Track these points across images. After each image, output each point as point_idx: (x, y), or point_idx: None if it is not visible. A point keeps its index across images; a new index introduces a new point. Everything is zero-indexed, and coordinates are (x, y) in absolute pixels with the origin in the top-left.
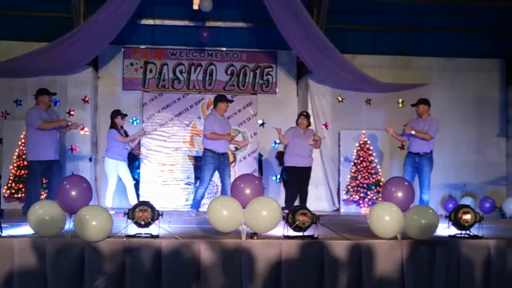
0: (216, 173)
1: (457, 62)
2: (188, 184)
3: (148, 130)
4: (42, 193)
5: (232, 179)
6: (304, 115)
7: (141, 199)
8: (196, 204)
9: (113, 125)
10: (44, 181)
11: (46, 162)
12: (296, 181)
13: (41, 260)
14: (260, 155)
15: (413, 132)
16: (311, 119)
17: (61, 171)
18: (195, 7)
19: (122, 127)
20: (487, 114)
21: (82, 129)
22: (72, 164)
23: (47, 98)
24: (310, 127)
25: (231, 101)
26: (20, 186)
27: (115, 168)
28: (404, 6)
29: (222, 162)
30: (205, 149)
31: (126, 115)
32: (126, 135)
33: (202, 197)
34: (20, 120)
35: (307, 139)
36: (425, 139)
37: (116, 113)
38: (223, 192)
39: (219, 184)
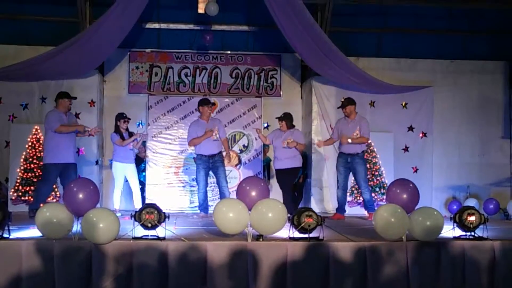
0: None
1: (460, 64)
2: (193, 186)
3: (144, 132)
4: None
5: (237, 181)
6: (278, 118)
7: (147, 201)
8: (200, 207)
9: (116, 129)
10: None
11: (62, 165)
12: (280, 183)
13: (48, 262)
14: (268, 159)
15: (349, 141)
16: (316, 122)
17: (76, 174)
18: (200, 11)
19: (127, 130)
20: (491, 116)
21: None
22: (78, 167)
23: (67, 102)
24: (293, 128)
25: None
26: (27, 189)
27: (121, 171)
28: (407, 9)
29: (212, 164)
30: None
31: (129, 118)
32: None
33: (204, 199)
34: (27, 124)
35: (282, 142)
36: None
37: (119, 117)
38: (221, 195)
39: None
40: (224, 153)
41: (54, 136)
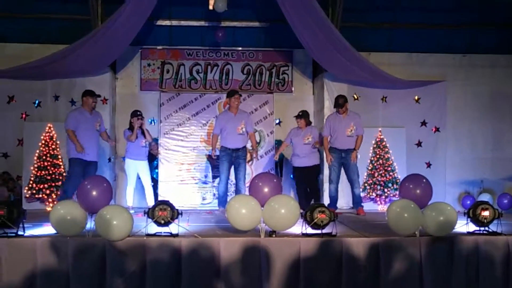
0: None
1: (473, 58)
2: (205, 183)
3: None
4: None
5: (250, 178)
6: (296, 116)
7: (159, 198)
8: (219, 201)
9: (130, 126)
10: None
11: (85, 162)
12: (300, 181)
13: (63, 259)
14: (281, 155)
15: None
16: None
17: (96, 172)
18: (211, 7)
19: (141, 127)
20: (504, 110)
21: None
22: None
23: (90, 100)
24: (311, 126)
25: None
26: (41, 187)
27: (134, 168)
28: (418, 3)
29: (235, 158)
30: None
31: (143, 117)
32: (144, 136)
33: (224, 194)
34: (39, 122)
35: (303, 138)
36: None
37: (133, 114)
38: (236, 191)
39: None
40: (249, 146)
41: (77, 134)
